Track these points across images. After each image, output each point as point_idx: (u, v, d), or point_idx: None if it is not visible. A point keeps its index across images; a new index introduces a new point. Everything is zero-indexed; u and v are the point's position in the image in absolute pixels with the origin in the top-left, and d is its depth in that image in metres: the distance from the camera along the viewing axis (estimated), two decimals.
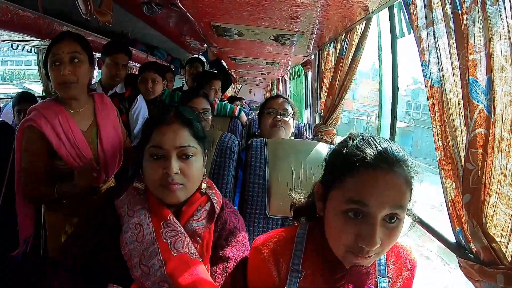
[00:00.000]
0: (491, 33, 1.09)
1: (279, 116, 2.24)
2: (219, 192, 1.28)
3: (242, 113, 3.25)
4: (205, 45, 4.67)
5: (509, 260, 1.03)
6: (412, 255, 1.04)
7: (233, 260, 1.13)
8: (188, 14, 2.58)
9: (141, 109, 2.77)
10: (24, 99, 2.89)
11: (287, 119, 2.27)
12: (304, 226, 1.04)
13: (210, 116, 2.37)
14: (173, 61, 6.68)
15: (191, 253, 1.08)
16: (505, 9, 1.06)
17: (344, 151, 0.91)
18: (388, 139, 0.95)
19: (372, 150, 0.87)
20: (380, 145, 0.88)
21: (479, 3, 1.14)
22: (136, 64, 5.64)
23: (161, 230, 1.09)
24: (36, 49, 4.33)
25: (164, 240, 1.07)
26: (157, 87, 3.19)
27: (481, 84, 1.12)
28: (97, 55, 4.83)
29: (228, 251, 1.15)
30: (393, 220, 0.84)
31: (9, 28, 2.64)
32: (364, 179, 0.84)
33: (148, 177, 1.14)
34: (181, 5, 2.35)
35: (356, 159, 0.86)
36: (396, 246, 1.03)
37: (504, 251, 1.05)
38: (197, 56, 5.96)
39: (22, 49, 4.00)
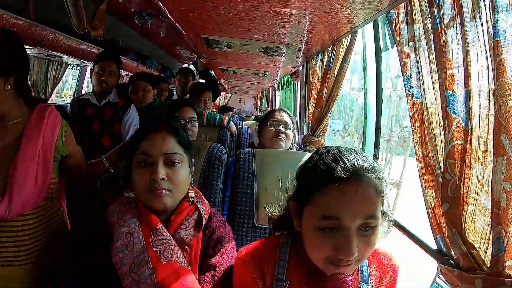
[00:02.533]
0: (469, 48, 1.15)
1: (281, 128, 2.28)
2: (206, 202, 1.30)
3: (231, 123, 3.25)
4: (195, 55, 4.71)
5: (488, 265, 1.07)
6: (394, 260, 1.05)
7: (220, 269, 1.15)
8: (177, 25, 2.61)
9: (133, 119, 2.80)
10: None
11: (288, 131, 2.31)
12: (287, 236, 1.05)
13: (197, 125, 2.41)
14: (164, 70, 6.66)
15: (180, 261, 1.09)
16: (482, 25, 1.11)
17: (311, 168, 0.93)
18: (358, 149, 0.97)
19: (338, 165, 0.87)
20: (347, 159, 0.88)
21: (457, 19, 1.20)
22: (127, 73, 5.65)
23: (150, 239, 1.11)
24: None
25: (154, 249, 1.09)
26: (148, 95, 3.27)
27: (459, 98, 1.17)
28: (88, 64, 4.87)
29: (215, 260, 1.17)
30: (367, 229, 0.85)
31: None
32: (333, 194, 0.85)
33: (136, 184, 1.16)
34: (171, 17, 2.38)
35: (324, 176, 0.87)
36: (378, 253, 1.04)
37: (483, 257, 1.10)
38: (187, 66, 5.99)
39: None
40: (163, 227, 1.15)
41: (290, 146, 2.62)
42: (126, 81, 6.45)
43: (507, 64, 0.99)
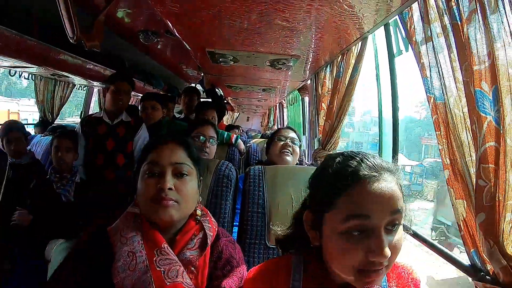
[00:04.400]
0: (494, 41, 1.08)
1: (288, 142, 2.42)
2: (214, 220, 1.27)
3: (239, 141, 3.29)
4: (202, 74, 4.72)
5: None
6: (415, 274, 1.00)
7: None
8: (183, 40, 2.60)
9: (144, 138, 2.92)
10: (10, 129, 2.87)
11: (295, 146, 2.44)
12: (299, 256, 1.00)
13: (215, 146, 2.48)
14: (170, 90, 6.79)
15: (185, 283, 1.05)
16: (506, 15, 1.05)
17: (330, 171, 0.89)
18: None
19: (358, 163, 0.86)
20: (366, 158, 0.87)
21: (478, 12, 1.13)
22: (133, 93, 5.70)
23: (154, 258, 1.06)
24: (33, 76, 4.45)
25: (158, 269, 1.05)
26: (156, 113, 3.47)
27: (488, 96, 1.08)
28: (95, 84, 4.94)
29: (224, 283, 1.11)
30: (394, 227, 0.82)
31: (6, 54, 2.69)
32: (359, 192, 0.82)
33: (142, 194, 1.13)
34: (176, 32, 2.37)
35: (347, 177, 0.84)
36: (397, 266, 0.99)
37: None
38: (193, 85, 6.05)
39: (20, 76, 4.08)
40: (168, 247, 1.11)
41: (301, 161, 2.60)
42: (133, 102, 6.54)
43: None
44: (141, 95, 6.17)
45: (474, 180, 1.13)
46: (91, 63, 3.83)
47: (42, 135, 3.98)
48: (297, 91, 5.20)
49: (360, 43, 2.35)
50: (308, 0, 1.63)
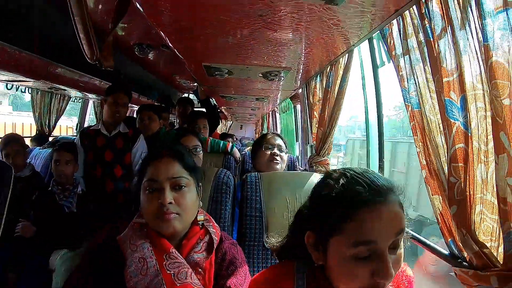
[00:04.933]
0: (461, 55, 1.21)
1: (276, 151, 2.41)
2: (216, 225, 1.33)
3: (235, 149, 3.33)
4: (195, 84, 4.78)
5: (501, 262, 1.09)
6: (408, 271, 1.04)
7: None
8: (180, 55, 2.70)
9: (143, 149, 2.93)
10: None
11: (282, 154, 2.44)
12: (302, 263, 0.98)
13: (201, 152, 2.49)
14: (163, 101, 6.71)
15: (194, 283, 1.12)
16: (471, 32, 1.18)
17: (334, 196, 0.87)
18: (371, 169, 0.95)
19: (363, 188, 0.84)
20: (368, 179, 0.86)
21: (448, 29, 1.27)
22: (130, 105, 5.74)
23: (164, 263, 1.13)
24: (30, 89, 4.49)
25: (168, 272, 1.11)
26: (153, 124, 3.48)
27: (456, 104, 1.22)
28: (90, 97, 4.96)
29: (230, 281, 1.19)
30: (396, 245, 0.84)
31: (6, 69, 2.72)
32: (366, 218, 0.81)
33: (145, 210, 1.19)
34: (173, 48, 2.47)
35: (351, 202, 0.83)
36: None
37: (495, 255, 1.13)
38: (187, 96, 6.12)
39: (17, 89, 4.11)
40: (176, 251, 1.17)
41: (294, 167, 2.67)
42: (128, 113, 6.57)
43: (498, 66, 1.05)
44: (136, 106, 6.21)
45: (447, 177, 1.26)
46: (87, 76, 3.85)
47: (41, 148, 4.01)
48: (289, 99, 5.27)
49: (347, 55, 2.46)
50: (298, 18, 1.75)
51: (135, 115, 7.10)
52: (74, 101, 5.55)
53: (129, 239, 1.19)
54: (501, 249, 1.11)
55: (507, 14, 1.05)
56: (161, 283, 1.09)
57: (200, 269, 1.18)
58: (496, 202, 1.09)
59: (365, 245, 0.80)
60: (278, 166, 2.40)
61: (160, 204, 1.15)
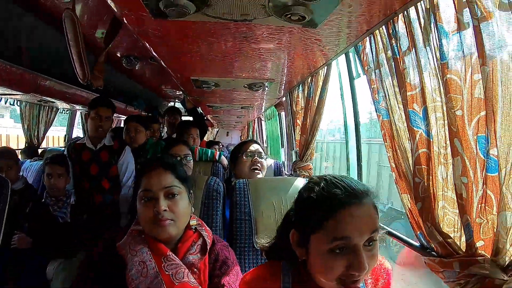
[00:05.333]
0: (423, 72, 1.38)
1: (257, 158, 2.50)
2: (208, 229, 1.45)
3: (222, 157, 3.40)
4: (181, 92, 4.79)
5: (463, 250, 1.25)
6: (386, 264, 1.14)
7: (227, 287, 1.29)
8: (169, 70, 2.80)
9: (129, 161, 2.94)
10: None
11: (263, 161, 2.52)
12: (287, 265, 1.09)
13: (192, 161, 2.58)
14: (150, 110, 6.74)
15: (191, 282, 1.23)
16: (431, 51, 1.34)
17: (315, 198, 0.97)
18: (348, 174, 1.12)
19: (341, 191, 0.94)
20: (347, 185, 0.95)
21: (412, 48, 1.44)
22: (115, 115, 5.75)
23: (162, 265, 1.23)
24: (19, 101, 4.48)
25: (166, 273, 1.22)
26: (140, 136, 3.42)
27: (419, 114, 1.40)
28: (77, 108, 4.95)
29: (223, 280, 1.30)
30: (371, 243, 0.93)
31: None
32: (342, 218, 0.91)
33: (142, 218, 1.29)
34: (163, 63, 2.57)
35: (331, 204, 0.93)
36: None
37: (458, 244, 1.29)
38: (173, 105, 6.17)
39: (6, 102, 4.10)
40: (173, 254, 1.28)
41: (280, 172, 2.77)
42: (116, 124, 6.59)
43: (452, 82, 1.22)
44: (123, 116, 6.23)
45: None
46: (75, 87, 3.84)
47: (31, 160, 4.00)
48: (273, 107, 5.36)
49: (325, 67, 2.61)
50: (279, 39, 1.90)
51: (121, 123, 7.12)
52: (62, 113, 5.54)
53: (128, 245, 1.29)
54: (463, 238, 1.25)
55: (459, 37, 1.21)
56: (161, 283, 1.20)
57: (195, 269, 1.29)
58: (455, 198, 1.25)
59: (341, 240, 0.90)
60: (259, 175, 2.47)
61: (155, 212, 1.26)
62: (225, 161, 3.40)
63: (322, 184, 0.98)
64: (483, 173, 1.14)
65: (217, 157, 3.33)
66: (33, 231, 2.39)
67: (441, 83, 1.30)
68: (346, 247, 0.91)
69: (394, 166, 1.58)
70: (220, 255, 1.38)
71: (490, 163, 1.10)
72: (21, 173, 3.12)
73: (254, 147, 2.54)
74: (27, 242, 2.33)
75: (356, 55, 2.11)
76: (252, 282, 1.09)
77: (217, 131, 13.21)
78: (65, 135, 6.08)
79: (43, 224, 2.46)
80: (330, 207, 0.93)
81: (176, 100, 7.11)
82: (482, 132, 1.15)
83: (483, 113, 1.14)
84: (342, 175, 1.02)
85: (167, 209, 1.28)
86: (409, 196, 1.49)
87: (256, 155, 2.50)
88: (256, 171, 2.47)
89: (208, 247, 1.37)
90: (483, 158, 1.14)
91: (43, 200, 2.64)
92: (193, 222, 1.40)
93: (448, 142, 1.28)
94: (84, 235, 2.42)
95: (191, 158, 2.57)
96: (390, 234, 1.82)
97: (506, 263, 1.08)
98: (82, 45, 1.79)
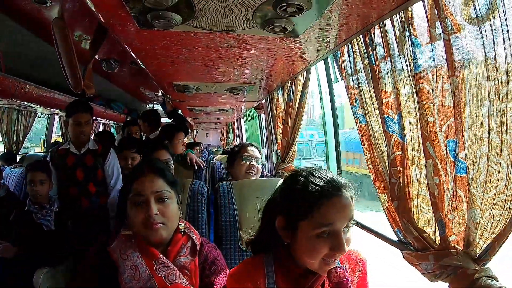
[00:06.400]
0: (397, 80, 1.47)
1: (254, 163, 2.54)
2: (196, 231, 1.46)
3: (188, 152, 3.38)
4: (160, 94, 4.71)
5: (437, 244, 1.35)
6: (361, 254, 1.24)
7: (218, 286, 1.32)
8: (151, 75, 2.82)
9: (114, 163, 2.91)
10: None
11: (259, 166, 2.58)
12: (269, 253, 1.17)
13: (172, 166, 2.61)
14: (130, 113, 6.70)
15: (183, 282, 1.26)
16: (406, 61, 1.42)
17: (304, 190, 1.07)
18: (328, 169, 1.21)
19: (325, 183, 1.06)
20: (329, 177, 1.08)
21: (388, 57, 1.52)
22: (95, 118, 5.59)
23: (154, 267, 1.25)
24: None
25: (159, 275, 1.24)
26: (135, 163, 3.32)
27: (394, 119, 1.49)
28: (56, 112, 4.82)
29: (213, 279, 1.34)
30: (348, 228, 1.05)
31: None
32: (327, 207, 1.02)
33: (134, 222, 1.29)
34: (145, 69, 2.59)
35: (317, 195, 1.04)
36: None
37: (433, 238, 1.38)
38: (152, 107, 6.15)
39: None
40: (163, 256, 1.30)
41: (262, 173, 2.83)
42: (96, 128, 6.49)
43: (424, 91, 1.31)
44: (102, 120, 6.14)
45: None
46: (54, 92, 3.80)
47: (12, 167, 3.89)
48: (253, 109, 5.37)
49: (305, 72, 2.69)
50: (261, 47, 1.97)
51: (101, 128, 6.99)
52: (41, 117, 5.42)
53: (119, 249, 1.30)
54: (437, 233, 1.35)
55: (431, 48, 1.30)
56: (153, 285, 1.22)
57: (186, 271, 1.32)
58: (429, 196, 1.35)
59: (326, 226, 1.02)
60: (254, 177, 2.53)
61: (147, 216, 1.27)
62: (191, 155, 3.38)
63: (308, 176, 1.10)
64: (453, 174, 1.24)
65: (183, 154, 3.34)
66: (17, 240, 2.35)
67: (414, 91, 1.38)
68: (330, 232, 1.02)
69: (371, 167, 1.67)
70: (209, 256, 1.41)
71: (459, 165, 1.20)
72: (2, 180, 3.07)
73: (253, 151, 2.58)
74: (12, 251, 2.29)
75: (334, 61, 2.16)
76: (238, 276, 1.15)
77: (197, 132, 13.14)
78: (44, 139, 5.94)
79: (28, 232, 2.41)
80: (318, 197, 1.04)
81: (155, 103, 7.03)
82: (452, 137, 1.25)
83: (452, 119, 1.23)
84: (322, 169, 1.15)
85: (158, 213, 1.30)
86: (386, 195, 1.58)
87: (253, 160, 2.54)
88: (251, 174, 2.53)
89: (198, 248, 1.39)
90: (453, 160, 1.24)
91: (26, 208, 2.54)
92: (182, 226, 1.42)
93: (421, 145, 1.37)
94: (73, 241, 2.39)
95: (172, 162, 2.60)
96: (370, 230, 1.92)
97: (478, 255, 1.18)
98: (74, 54, 1.79)
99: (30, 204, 2.54)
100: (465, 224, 1.21)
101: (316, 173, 1.11)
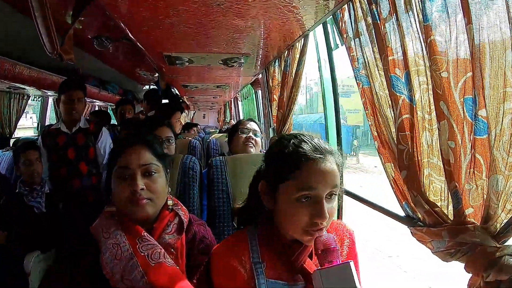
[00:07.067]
0: (404, 36, 1.33)
1: (251, 135, 2.51)
2: (184, 208, 1.40)
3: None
4: (157, 75, 4.75)
5: (451, 219, 1.21)
6: (348, 226, 1.23)
7: None
8: (141, 46, 2.70)
9: (107, 141, 2.90)
10: None
11: (257, 138, 2.54)
12: (252, 227, 1.16)
13: (174, 144, 2.50)
14: (125, 94, 6.66)
15: (168, 261, 1.18)
16: (414, 15, 1.29)
17: (286, 151, 1.07)
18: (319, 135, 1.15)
19: (308, 146, 1.05)
20: (314, 142, 1.07)
21: (393, 13, 1.38)
22: (89, 100, 5.65)
23: (137, 246, 1.18)
24: None
25: (142, 254, 1.17)
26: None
27: (401, 79, 1.35)
28: (49, 94, 4.81)
29: (201, 258, 1.27)
30: (332, 196, 1.04)
31: None
32: (308, 170, 1.02)
33: (118, 197, 1.23)
34: (134, 38, 2.48)
35: (299, 156, 1.03)
36: (333, 223, 1.20)
37: (446, 213, 1.25)
38: (152, 88, 6.05)
39: None
40: (148, 234, 1.22)
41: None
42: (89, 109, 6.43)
43: (437, 43, 1.17)
44: (97, 101, 6.07)
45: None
46: (46, 72, 3.76)
47: (3, 150, 3.81)
48: (250, 85, 5.35)
49: (302, 39, 2.56)
50: (254, 6, 1.82)
51: (95, 108, 6.94)
52: (33, 100, 5.36)
53: (101, 227, 1.24)
54: (450, 207, 1.23)
55: None
56: (136, 265, 1.14)
57: (172, 249, 1.25)
58: (441, 165, 1.22)
59: (307, 190, 1.01)
60: (252, 150, 2.50)
61: (132, 190, 1.20)
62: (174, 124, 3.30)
63: (292, 139, 1.09)
64: (471, 136, 1.10)
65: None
66: (8, 224, 2.29)
67: (424, 46, 1.25)
68: (311, 197, 1.01)
69: (376, 134, 1.54)
70: (197, 234, 1.35)
71: (478, 125, 1.06)
72: None
73: (251, 125, 2.58)
74: (1, 236, 2.24)
75: (334, 25, 2.08)
76: (222, 253, 1.12)
77: (194, 113, 13.12)
78: (38, 123, 5.93)
79: (19, 215, 2.37)
80: (298, 160, 1.03)
81: (151, 84, 6.98)
82: (469, 94, 1.11)
83: (469, 74, 1.09)
84: (311, 134, 1.14)
85: (144, 188, 1.22)
86: (392, 165, 1.46)
87: (251, 132, 2.53)
88: (249, 145, 2.50)
89: (185, 226, 1.32)
90: (471, 120, 1.10)
91: (17, 190, 2.54)
92: (170, 203, 1.35)
93: (432, 107, 1.24)
94: (62, 224, 2.37)
95: (173, 141, 2.49)
96: (372, 205, 1.80)
97: (498, 230, 1.05)
98: (50, 17, 1.67)
99: (21, 186, 2.54)
100: (484, 195, 1.08)
101: (301, 136, 1.10)
